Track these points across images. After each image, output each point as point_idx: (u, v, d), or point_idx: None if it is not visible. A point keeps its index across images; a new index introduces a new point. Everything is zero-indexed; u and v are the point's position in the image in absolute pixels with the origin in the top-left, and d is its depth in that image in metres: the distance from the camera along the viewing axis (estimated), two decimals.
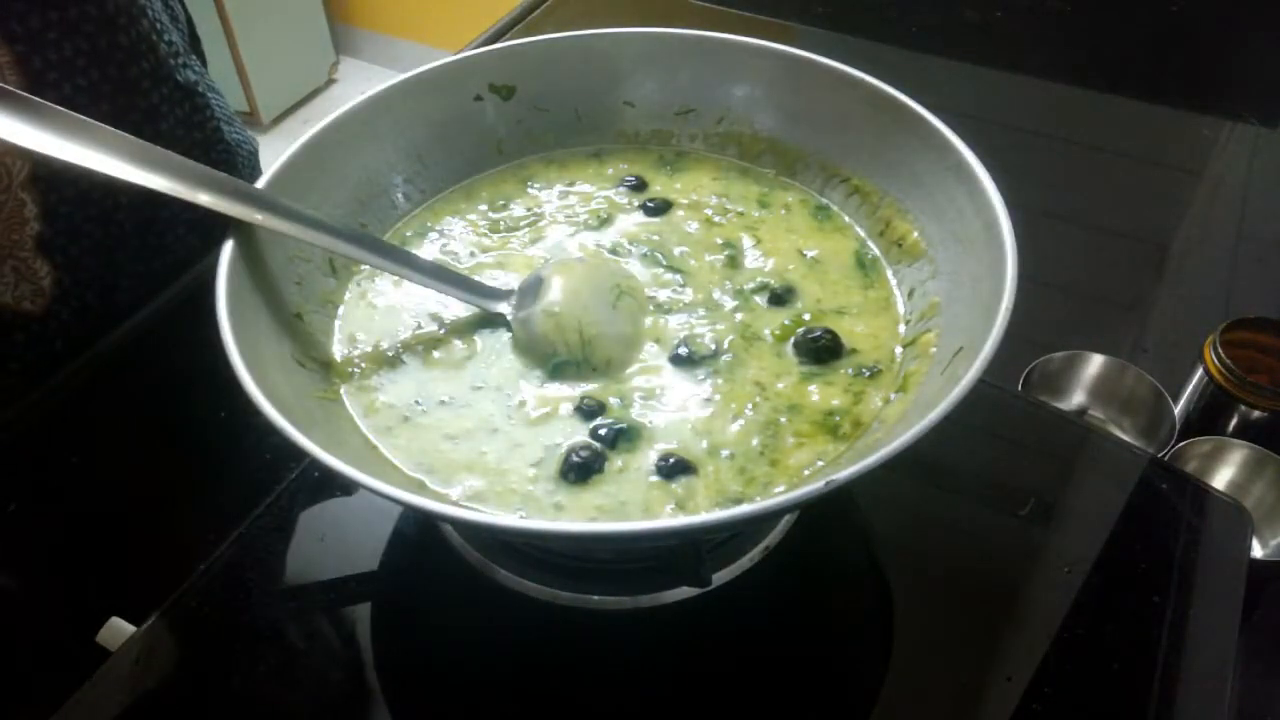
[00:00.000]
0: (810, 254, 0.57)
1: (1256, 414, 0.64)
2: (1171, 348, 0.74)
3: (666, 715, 0.50)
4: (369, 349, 0.52)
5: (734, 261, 0.56)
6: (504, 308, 0.53)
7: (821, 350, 0.50)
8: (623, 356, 0.51)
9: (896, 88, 0.55)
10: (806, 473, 0.46)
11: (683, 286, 0.55)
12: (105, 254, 0.68)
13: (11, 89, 0.43)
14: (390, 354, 0.52)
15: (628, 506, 0.45)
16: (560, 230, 0.59)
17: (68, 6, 0.61)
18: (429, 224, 0.60)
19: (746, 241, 0.57)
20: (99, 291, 0.68)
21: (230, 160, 0.78)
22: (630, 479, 0.46)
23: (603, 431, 0.47)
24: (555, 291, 0.51)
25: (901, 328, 0.52)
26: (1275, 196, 0.89)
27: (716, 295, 0.54)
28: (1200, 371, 0.66)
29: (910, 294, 0.53)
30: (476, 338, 0.53)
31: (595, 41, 0.62)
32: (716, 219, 0.59)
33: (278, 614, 0.54)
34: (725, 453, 0.46)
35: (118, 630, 0.50)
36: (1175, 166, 0.94)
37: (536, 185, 0.62)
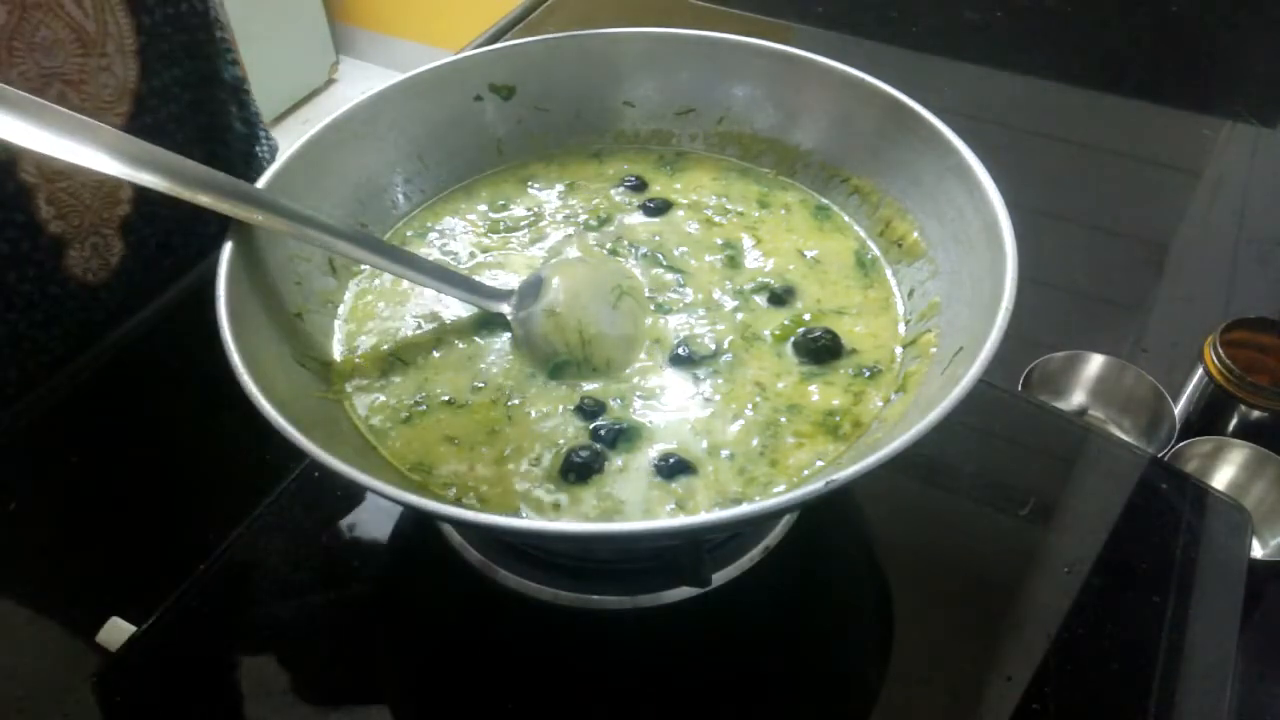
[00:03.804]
0: (810, 254, 0.57)
1: (1256, 414, 0.64)
2: (1171, 348, 0.74)
3: (667, 715, 0.50)
4: (369, 349, 0.52)
5: (734, 261, 0.56)
6: (504, 308, 0.53)
7: (821, 350, 0.50)
8: (623, 357, 0.51)
9: (896, 88, 0.55)
10: (806, 473, 0.46)
11: (683, 286, 0.55)
12: (165, 236, 0.71)
13: (11, 89, 0.43)
14: (390, 354, 0.52)
15: (628, 506, 0.45)
16: (560, 230, 0.59)
17: (180, 2, 0.66)
18: (429, 224, 0.60)
19: (746, 241, 0.57)
20: (147, 270, 0.71)
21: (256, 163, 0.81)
22: (630, 479, 0.46)
23: (603, 431, 0.47)
24: (555, 292, 0.51)
25: (901, 328, 0.52)
26: (1275, 196, 0.89)
27: (716, 295, 0.54)
28: (1200, 371, 0.66)
29: (910, 294, 0.53)
30: (476, 338, 0.53)
31: (595, 41, 0.62)
32: (716, 219, 0.59)
33: (278, 614, 0.54)
34: (725, 453, 0.46)
35: (118, 630, 0.50)
36: (1175, 166, 0.94)
37: (536, 185, 0.62)
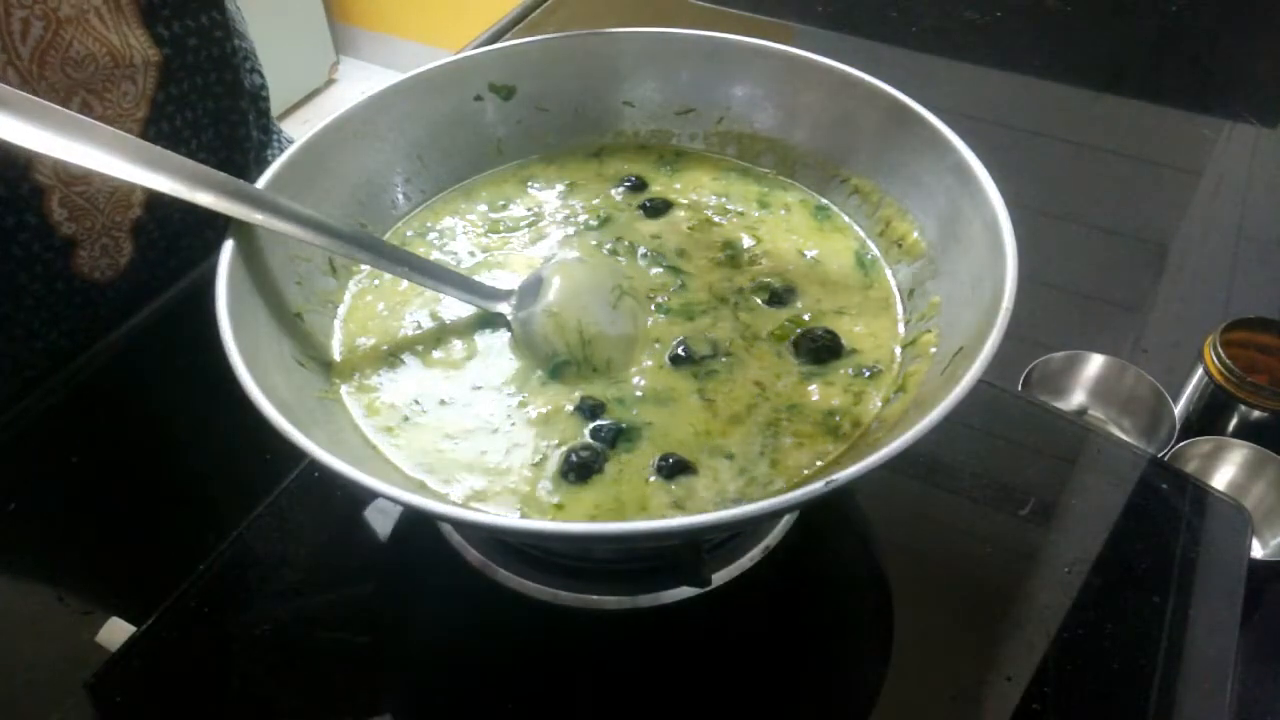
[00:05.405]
0: (810, 254, 0.57)
1: (1256, 414, 0.64)
2: (1171, 348, 0.74)
3: (666, 716, 0.50)
4: (369, 349, 0.52)
5: (734, 261, 0.56)
6: (504, 308, 0.53)
7: (821, 350, 0.50)
8: (623, 356, 0.51)
9: (896, 88, 0.55)
10: (806, 473, 0.46)
11: (683, 287, 0.55)
12: (175, 239, 0.72)
13: (12, 90, 0.43)
14: (390, 354, 0.52)
15: (627, 506, 0.45)
16: (560, 230, 0.59)
17: (199, 14, 0.67)
18: (429, 224, 0.60)
19: (746, 241, 0.57)
20: (154, 269, 0.72)
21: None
22: (630, 479, 0.46)
23: (603, 431, 0.47)
24: (555, 291, 0.51)
25: (901, 328, 0.52)
26: (1275, 196, 0.89)
27: (716, 295, 0.54)
28: (1200, 371, 0.66)
29: (910, 294, 0.53)
30: (476, 338, 0.53)
31: (595, 41, 0.62)
32: (716, 219, 0.59)
33: (278, 614, 0.54)
34: (725, 453, 0.46)
35: (118, 630, 0.50)
36: (1175, 166, 0.94)
37: (536, 185, 0.62)
